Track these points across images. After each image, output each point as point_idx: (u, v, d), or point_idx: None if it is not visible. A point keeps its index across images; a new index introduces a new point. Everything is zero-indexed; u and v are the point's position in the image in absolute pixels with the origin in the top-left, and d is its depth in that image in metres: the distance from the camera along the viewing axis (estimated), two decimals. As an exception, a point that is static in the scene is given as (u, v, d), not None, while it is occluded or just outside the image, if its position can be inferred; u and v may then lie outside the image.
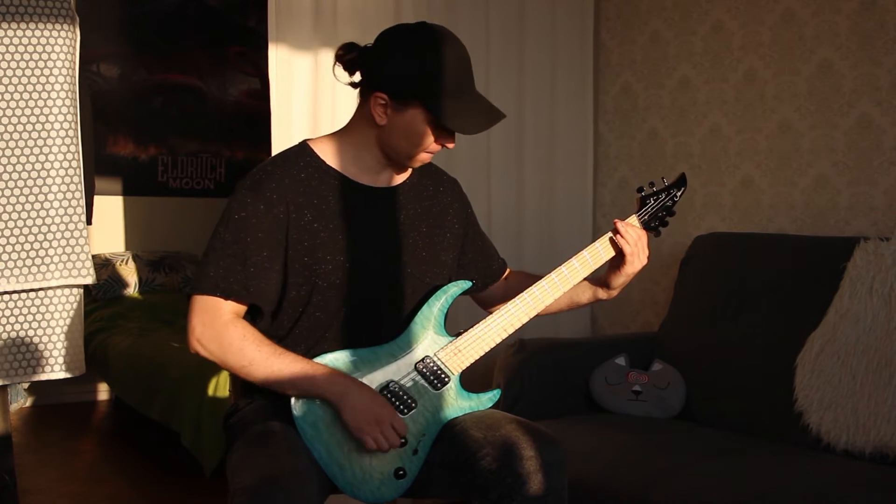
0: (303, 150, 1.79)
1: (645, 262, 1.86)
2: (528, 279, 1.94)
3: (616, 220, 1.86)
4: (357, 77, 1.77)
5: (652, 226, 1.94)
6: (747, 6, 3.14)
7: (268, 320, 1.77)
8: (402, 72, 1.68)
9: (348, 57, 1.76)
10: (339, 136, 1.82)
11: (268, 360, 1.66)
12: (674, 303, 3.01)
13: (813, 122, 2.95)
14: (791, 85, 3.01)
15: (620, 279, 1.88)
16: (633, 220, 1.92)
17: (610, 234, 1.86)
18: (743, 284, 2.76)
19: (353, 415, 1.64)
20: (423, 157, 1.78)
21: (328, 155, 1.79)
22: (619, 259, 1.86)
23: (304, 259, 1.72)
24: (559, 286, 1.83)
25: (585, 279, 1.88)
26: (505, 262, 2.07)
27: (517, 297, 1.80)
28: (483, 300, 2.05)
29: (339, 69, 1.78)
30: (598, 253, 1.86)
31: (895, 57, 2.73)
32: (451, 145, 1.75)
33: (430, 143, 1.73)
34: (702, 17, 3.30)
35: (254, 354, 1.66)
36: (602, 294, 1.92)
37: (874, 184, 2.79)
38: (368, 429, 1.63)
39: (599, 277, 1.91)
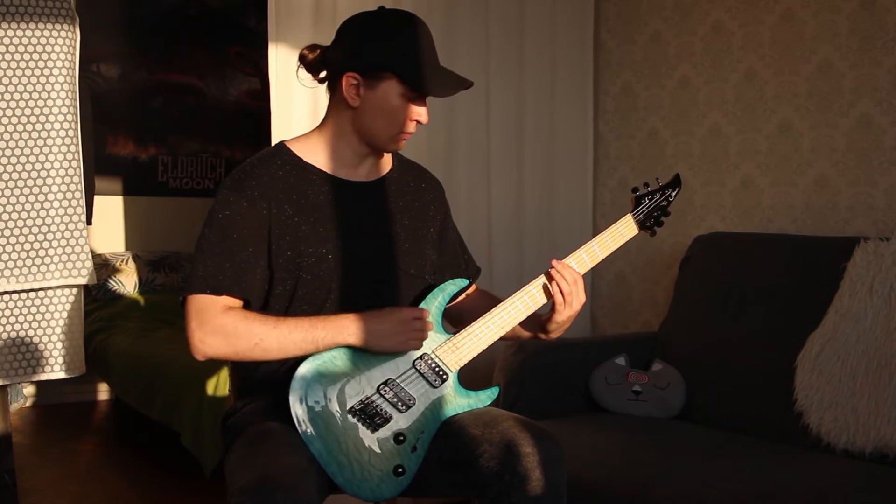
0: (279, 150, 1.81)
1: (579, 306, 1.81)
2: (489, 301, 1.91)
3: (553, 261, 1.80)
4: (324, 74, 1.80)
5: (647, 225, 1.96)
6: (747, 6, 3.14)
7: None
8: (372, 47, 1.71)
9: (312, 56, 1.79)
10: (315, 132, 1.84)
11: (275, 329, 1.67)
12: (674, 303, 3.01)
13: (813, 122, 2.95)
14: (791, 85, 3.01)
15: (556, 324, 1.83)
16: (628, 218, 1.92)
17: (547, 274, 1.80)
18: (743, 284, 2.76)
19: (379, 340, 1.68)
20: (400, 139, 1.79)
21: (305, 152, 1.80)
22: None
23: (286, 253, 1.73)
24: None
25: (532, 318, 1.84)
26: (474, 274, 2.03)
27: (513, 295, 1.81)
28: (449, 315, 1.96)
29: (303, 71, 1.81)
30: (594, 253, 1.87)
31: (895, 57, 2.73)
32: (423, 118, 1.77)
33: (405, 118, 1.75)
34: (702, 17, 3.30)
35: (259, 329, 1.67)
36: (542, 336, 1.89)
37: (874, 184, 2.79)
38: (403, 339, 1.69)
39: (539, 320, 1.86)
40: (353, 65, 1.72)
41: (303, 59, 1.80)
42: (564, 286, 1.78)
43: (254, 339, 1.66)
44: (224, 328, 1.67)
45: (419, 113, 1.76)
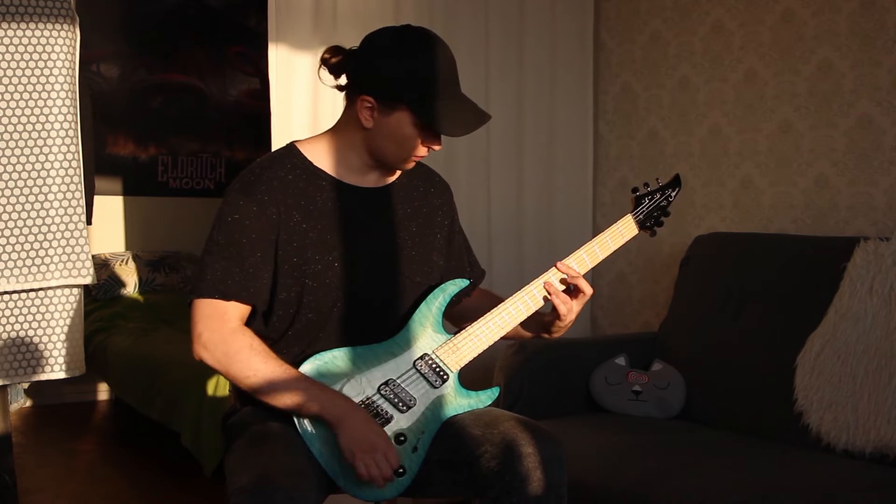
0: (290, 152, 1.80)
1: (580, 307, 1.82)
2: (490, 300, 1.91)
3: (557, 265, 1.81)
4: (343, 80, 1.78)
5: (647, 225, 1.96)
6: (747, 6, 3.14)
7: (261, 323, 1.77)
8: (389, 74, 1.69)
9: (334, 60, 1.77)
10: (326, 136, 1.82)
11: (273, 374, 1.65)
12: (674, 303, 3.01)
13: (813, 122, 2.95)
14: (791, 85, 3.01)
15: (557, 327, 1.84)
16: (629, 219, 1.93)
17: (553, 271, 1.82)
18: (743, 284, 2.76)
19: (348, 439, 1.62)
20: (410, 161, 1.78)
21: (316, 156, 1.79)
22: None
23: (293, 259, 1.73)
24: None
25: (535, 318, 1.85)
26: (479, 277, 2.03)
27: (513, 295, 1.81)
28: (451, 315, 1.97)
29: (325, 72, 1.79)
30: (593, 255, 1.87)
31: (895, 57, 2.73)
32: (437, 147, 1.76)
33: (417, 145, 1.73)
34: (702, 17, 3.30)
35: (259, 366, 1.66)
36: (544, 335, 1.90)
37: (874, 184, 2.79)
38: (361, 455, 1.61)
39: (541, 320, 1.87)
40: (368, 88, 1.70)
41: (325, 62, 1.78)
42: (564, 297, 1.79)
43: (248, 371, 1.66)
44: (228, 346, 1.67)
45: (432, 143, 1.75)
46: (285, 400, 1.65)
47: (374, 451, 1.61)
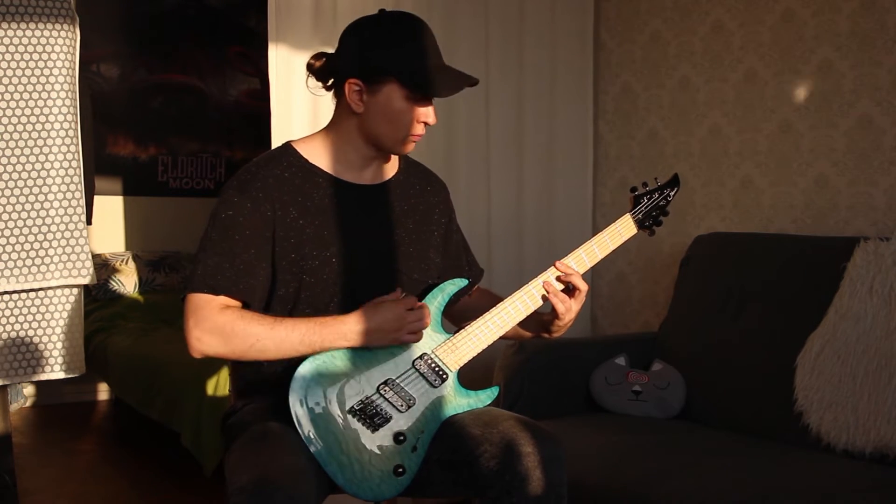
0: (286, 151, 1.81)
1: (579, 306, 1.84)
2: (489, 299, 1.93)
3: (556, 264, 1.83)
4: (331, 82, 1.80)
5: (646, 224, 1.97)
6: (747, 6, 3.14)
7: None
8: (371, 53, 1.71)
9: (319, 64, 1.80)
10: (322, 134, 1.84)
11: (272, 330, 1.66)
12: (674, 303, 3.01)
13: (813, 122, 2.95)
14: (791, 85, 3.01)
15: (557, 327, 1.86)
16: (627, 218, 1.94)
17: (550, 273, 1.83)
18: (743, 284, 2.76)
19: (378, 338, 1.68)
20: (408, 141, 1.79)
21: (312, 154, 1.80)
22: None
23: (290, 256, 1.73)
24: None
25: (534, 318, 1.87)
26: (477, 276, 2.04)
27: (512, 294, 1.81)
28: (451, 314, 1.99)
29: (312, 80, 1.81)
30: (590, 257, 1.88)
31: (895, 57, 2.73)
32: (431, 119, 1.77)
33: (411, 121, 1.75)
34: (702, 17, 3.30)
35: (256, 329, 1.66)
36: (544, 335, 1.91)
37: (874, 184, 2.79)
38: (401, 333, 1.69)
39: (541, 319, 1.89)
40: (354, 71, 1.72)
41: (310, 68, 1.81)
42: (563, 297, 1.79)
43: (250, 339, 1.66)
44: (221, 327, 1.66)
45: (425, 114, 1.76)
46: (296, 347, 1.67)
47: (404, 320, 1.69)
